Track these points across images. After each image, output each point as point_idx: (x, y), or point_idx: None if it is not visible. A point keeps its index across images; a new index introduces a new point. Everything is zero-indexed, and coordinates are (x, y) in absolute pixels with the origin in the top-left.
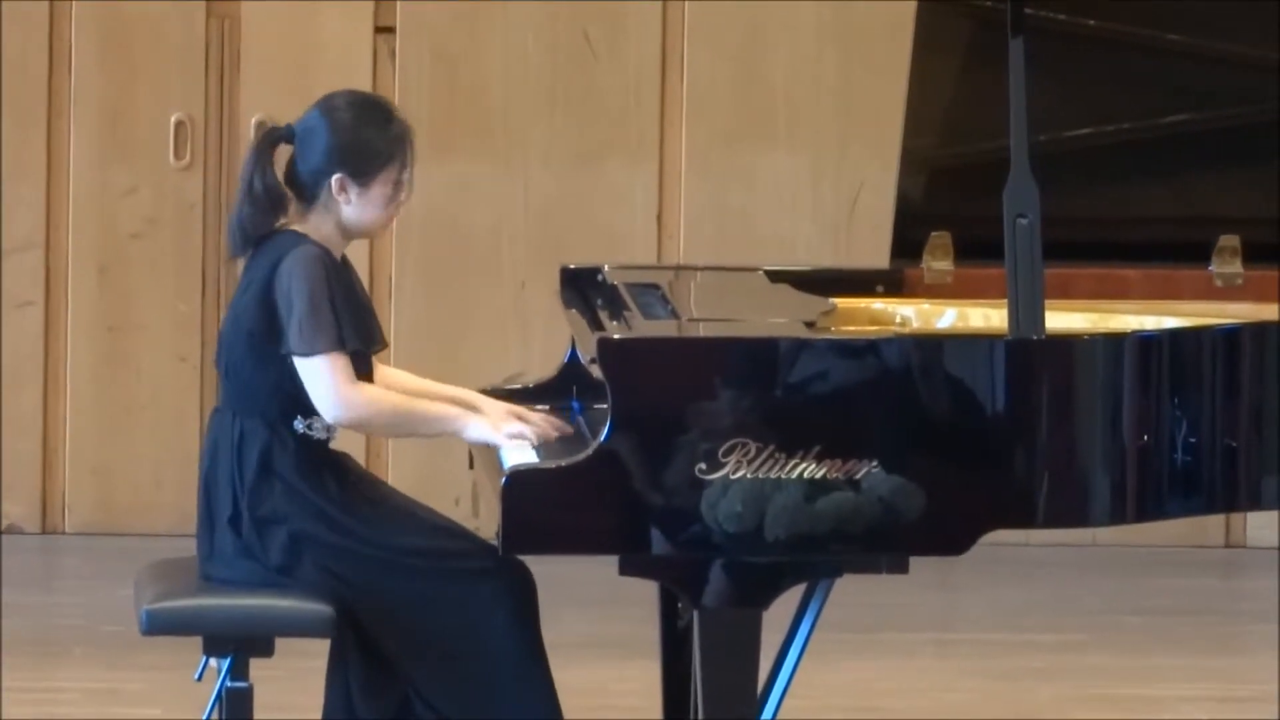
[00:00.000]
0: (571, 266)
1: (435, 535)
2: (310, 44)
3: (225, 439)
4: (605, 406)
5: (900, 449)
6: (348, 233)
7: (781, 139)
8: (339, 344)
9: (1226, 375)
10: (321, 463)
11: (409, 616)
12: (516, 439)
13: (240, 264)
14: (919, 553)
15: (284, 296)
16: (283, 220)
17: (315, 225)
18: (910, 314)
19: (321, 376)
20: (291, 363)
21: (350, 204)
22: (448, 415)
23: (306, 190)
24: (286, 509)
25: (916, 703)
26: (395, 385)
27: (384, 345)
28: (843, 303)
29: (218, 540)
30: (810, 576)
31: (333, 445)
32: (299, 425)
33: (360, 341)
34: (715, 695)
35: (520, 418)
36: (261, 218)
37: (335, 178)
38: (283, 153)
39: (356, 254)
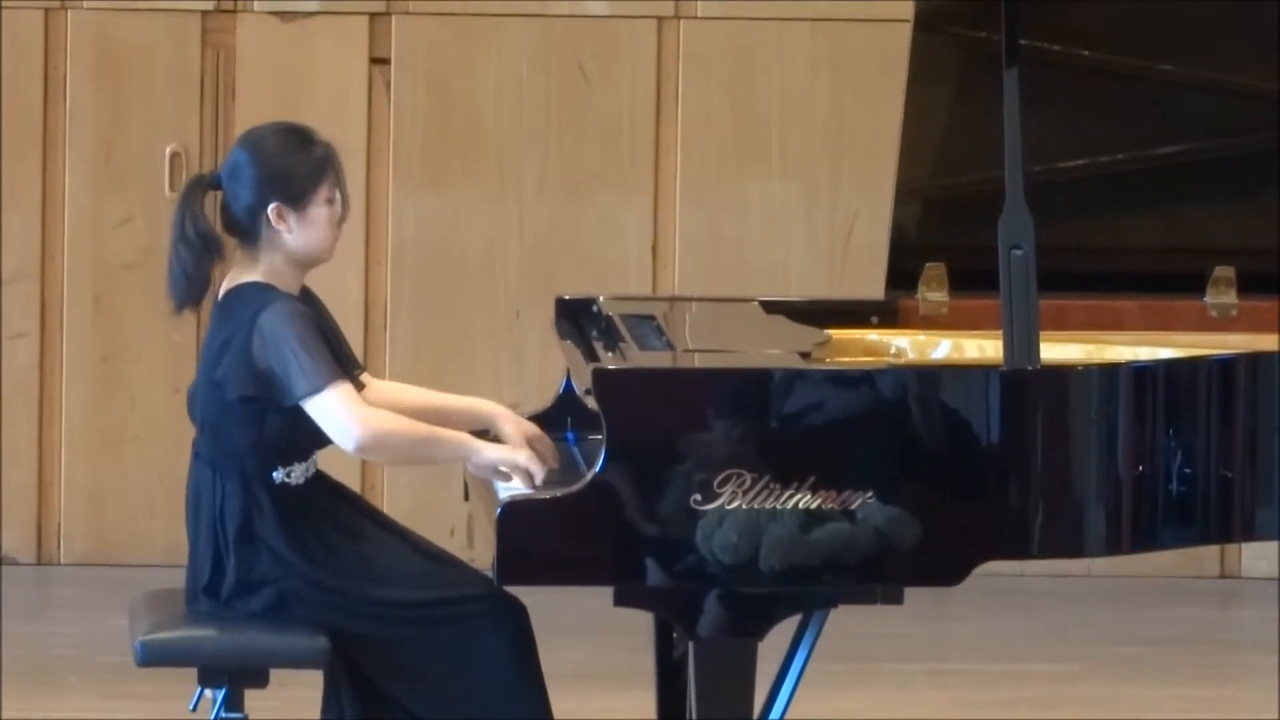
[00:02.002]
0: (566, 297)
1: (426, 581)
2: (305, 75)
3: (207, 497)
4: (600, 437)
5: (895, 480)
6: (298, 262)
7: (775, 169)
8: (341, 375)
9: (1221, 406)
10: (300, 517)
11: (403, 654)
12: (524, 470)
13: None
14: (914, 583)
15: (274, 354)
16: (221, 266)
17: (267, 265)
18: (905, 345)
19: (333, 408)
20: (275, 416)
21: (292, 232)
22: (464, 442)
23: (247, 229)
24: (274, 572)
25: None
26: (405, 400)
27: (362, 368)
28: (838, 334)
29: (200, 597)
30: (805, 607)
31: (313, 474)
32: (278, 475)
33: (350, 368)
34: None
35: (536, 441)
36: (200, 262)
37: (271, 207)
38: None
39: (348, 283)
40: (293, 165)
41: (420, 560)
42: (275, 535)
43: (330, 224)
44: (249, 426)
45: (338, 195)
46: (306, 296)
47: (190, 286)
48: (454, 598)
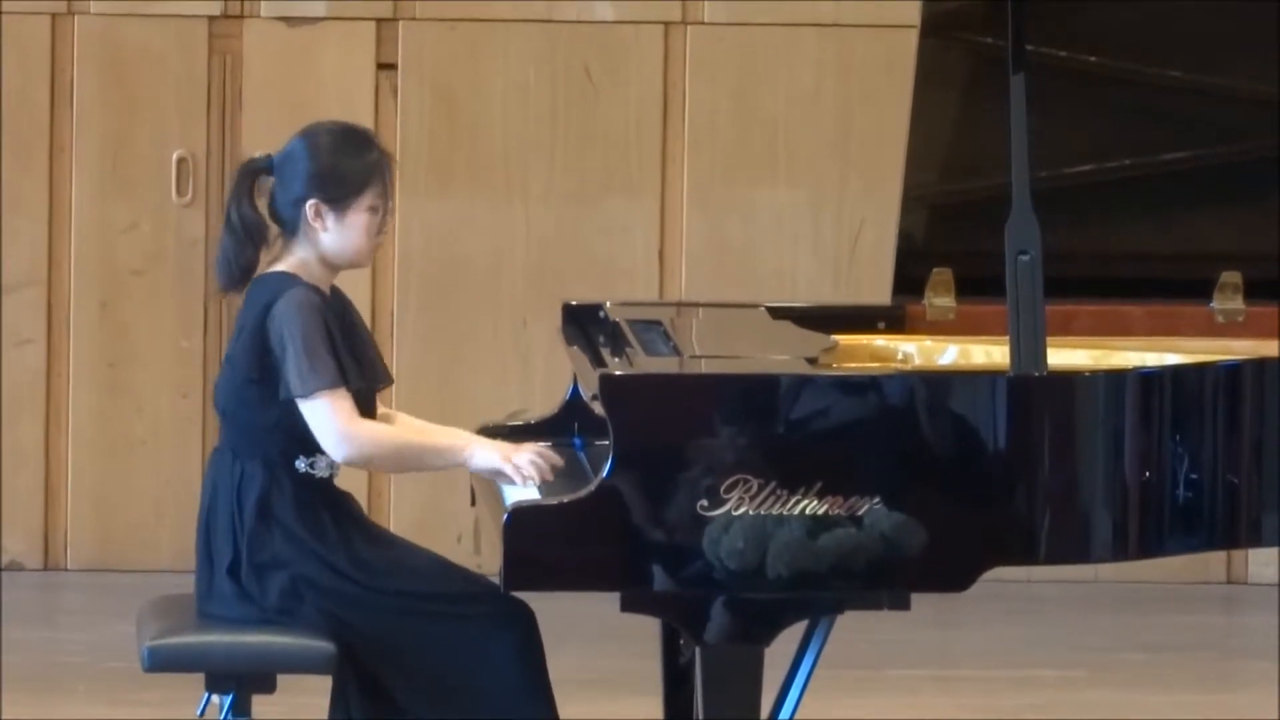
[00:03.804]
0: (573, 303)
1: (436, 579)
2: (312, 80)
3: (225, 481)
4: (607, 443)
5: (902, 485)
6: (330, 263)
7: (782, 174)
8: (338, 381)
9: (1228, 412)
10: (321, 505)
11: (411, 658)
12: (521, 471)
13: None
14: (921, 589)
15: (278, 341)
16: (266, 252)
17: (300, 259)
18: (912, 350)
19: (323, 416)
20: (293, 403)
21: (327, 231)
22: (453, 446)
23: (287, 221)
24: (286, 554)
25: None
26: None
27: (389, 381)
28: (844, 339)
29: (216, 583)
30: (812, 613)
31: (336, 482)
32: (301, 464)
33: (362, 378)
34: None
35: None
36: (241, 248)
37: (310, 203)
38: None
39: (356, 289)
40: (342, 166)
41: (432, 558)
42: (292, 516)
43: (368, 231)
44: (265, 408)
45: (382, 205)
46: (337, 298)
47: (232, 271)
48: (463, 594)
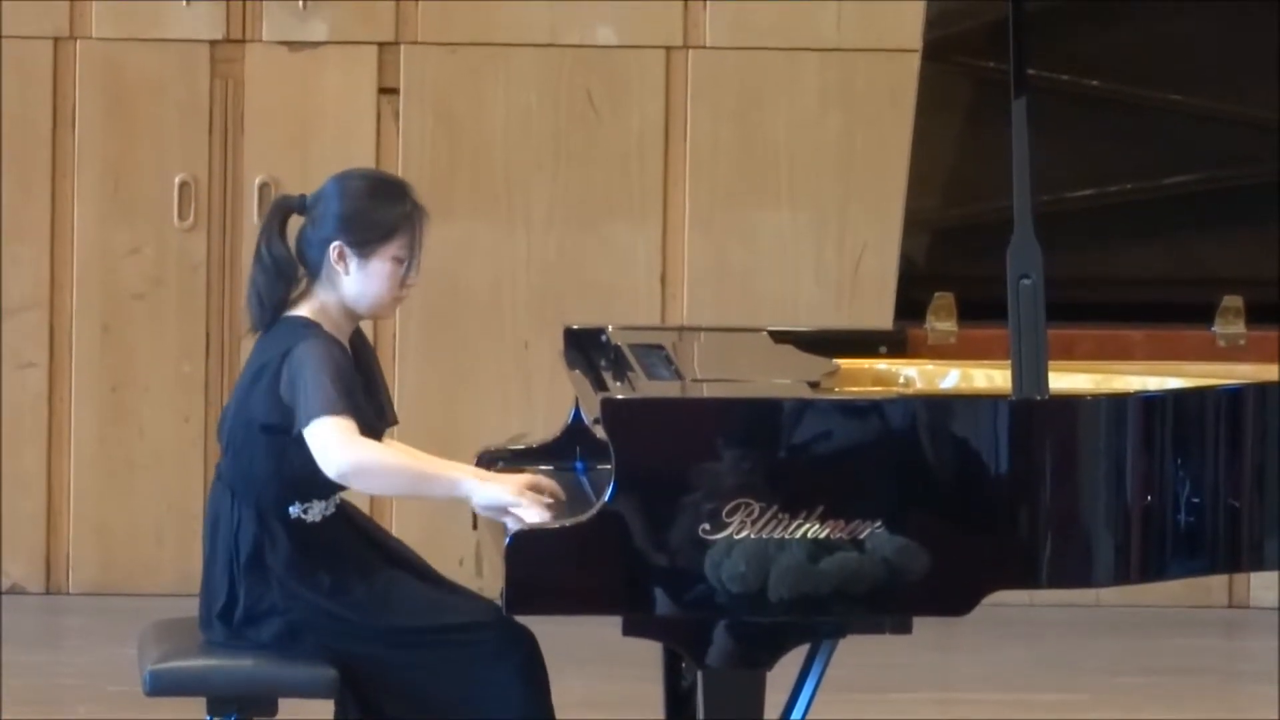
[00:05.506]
0: (575, 327)
1: (435, 609)
2: (314, 105)
3: (225, 520)
4: (609, 467)
5: (904, 509)
6: (351, 309)
7: (784, 199)
8: (339, 407)
9: (1229, 436)
10: (316, 551)
11: (412, 686)
12: (529, 498)
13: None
14: (922, 613)
15: (289, 386)
16: (295, 290)
17: (321, 302)
18: (913, 374)
19: (321, 437)
20: (295, 450)
21: (349, 275)
22: (456, 476)
23: (312, 261)
24: (283, 603)
25: None
26: None
27: (393, 421)
28: (846, 363)
29: (214, 622)
30: (814, 637)
31: (331, 513)
32: (294, 511)
33: (369, 417)
34: None
35: (532, 486)
36: (272, 285)
37: (334, 245)
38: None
39: None
40: (371, 211)
41: (429, 590)
42: (285, 568)
43: (390, 280)
44: (269, 456)
45: (408, 257)
46: (359, 342)
47: (263, 309)
48: (462, 624)
